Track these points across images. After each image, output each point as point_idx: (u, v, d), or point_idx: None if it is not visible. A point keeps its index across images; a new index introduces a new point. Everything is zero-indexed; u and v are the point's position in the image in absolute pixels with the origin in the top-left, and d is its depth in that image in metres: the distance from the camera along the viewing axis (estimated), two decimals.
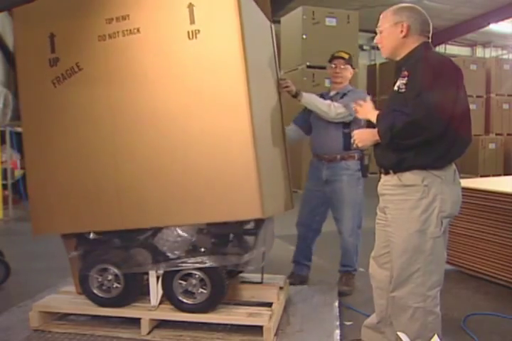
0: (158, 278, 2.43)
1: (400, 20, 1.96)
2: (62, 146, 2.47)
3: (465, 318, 2.67)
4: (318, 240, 3.41)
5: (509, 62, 10.91)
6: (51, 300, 2.58)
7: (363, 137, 2.06)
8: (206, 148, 2.21)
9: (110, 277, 2.44)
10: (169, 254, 2.35)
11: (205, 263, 2.27)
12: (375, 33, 2.08)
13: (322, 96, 3.10)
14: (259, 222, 2.38)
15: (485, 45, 14.79)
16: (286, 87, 2.83)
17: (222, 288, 2.36)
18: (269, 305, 2.49)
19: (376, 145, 2.03)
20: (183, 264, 2.30)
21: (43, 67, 2.46)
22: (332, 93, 3.16)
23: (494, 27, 12.26)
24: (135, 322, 2.38)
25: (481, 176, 8.61)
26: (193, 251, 2.34)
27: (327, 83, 7.30)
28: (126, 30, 2.31)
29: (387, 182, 2.01)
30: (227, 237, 2.44)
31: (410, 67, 1.88)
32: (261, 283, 2.65)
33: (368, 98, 2.16)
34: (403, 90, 1.87)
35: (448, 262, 3.57)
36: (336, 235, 3.19)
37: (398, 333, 2.09)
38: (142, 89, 2.31)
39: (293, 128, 3.16)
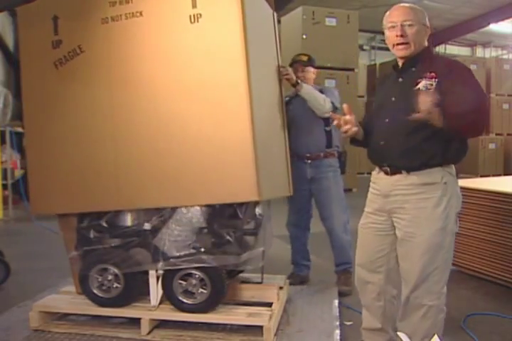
0: (158, 278, 2.43)
1: (427, 22, 1.96)
2: (62, 126, 2.49)
3: (465, 318, 2.66)
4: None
5: (509, 62, 10.91)
6: (51, 300, 2.58)
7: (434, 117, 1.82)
8: (205, 130, 2.23)
9: (110, 277, 2.44)
10: (169, 254, 2.35)
11: (205, 262, 2.27)
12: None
13: (290, 98, 3.10)
14: (258, 222, 2.38)
15: (485, 45, 14.80)
16: (287, 74, 2.84)
17: (222, 288, 2.36)
18: (269, 305, 2.49)
19: (388, 145, 1.97)
20: (183, 263, 2.30)
21: (45, 49, 2.48)
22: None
23: (494, 27, 12.28)
24: (135, 322, 2.38)
25: (481, 176, 8.60)
26: (192, 250, 2.34)
27: (327, 83, 7.30)
28: (129, 13, 2.32)
29: (400, 182, 1.95)
30: (226, 236, 2.44)
31: (435, 69, 1.87)
32: (261, 283, 2.65)
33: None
34: (431, 90, 1.84)
35: None
36: None
37: (398, 333, 2.10)
38: (143, 72, 2.33)
39: None
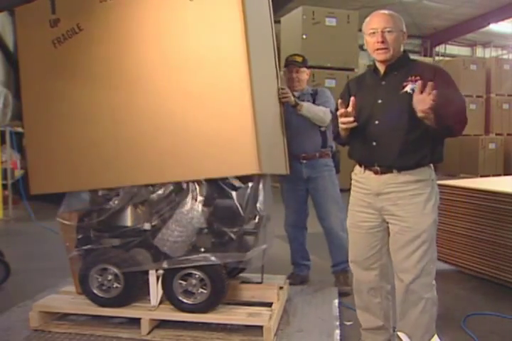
0: (158, 278, 2.43)
1: (404, 29, 2.06)
2: (61, 105, 2.50)
3: (465, 318, 2.67)
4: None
5: (509, 62, 10.91)
6: (51, 300, 2.58)
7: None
8: (205, 104, 2.24)
9: (110, 277, 2.44)
10: (169, 254, 2.35)
11: (206, 260, 2.27)
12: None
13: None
14: (259, 220, 2.38)
15: (485, 45, 14.81)
16: (285, 97, 2.81)
17: (222, 288, 2.36)
18: (269, 305, 2.49)
19: (380, 146, 2.04)
20: (183, 262, 2.30)
21: (43, 28, 2.49)
22: (296, 94, 3.10)
23: (494, 27, 12.28)
24: (135, 322, 2.38)
25: (481, 176, 8.60)
26: (193, 250, 2.34)
27: (327, 83, 7.30)
28: None
29: (391, 181, 2.03)
30: (227, 236, 2.44)
31: (420, 74, 1.97)
32: (261, 283, 2.65)
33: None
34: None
35: (448, 262, 3.58)
36: None
37: (398, 333, 2.13)
38: (142, 49, 2.35)
39: None
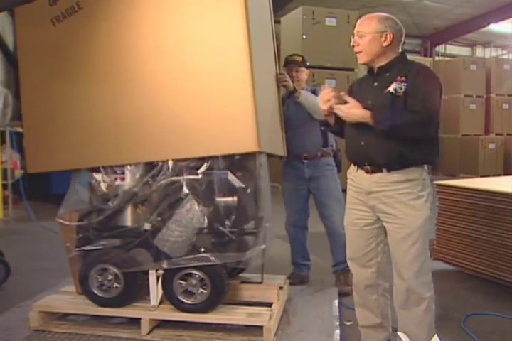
0: (158, 278, 2.43)
1: (385, 30, 2.06)
2: (60, 83, 2.50)
3: (465, 318, 2.67)
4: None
5: (509, 62, 10.91)
6: (51, 300, 2.58)
7: (352, 111, 2.03)
8: (205, 83, 2.26)
9: (110, 277, 2.44)
10: (169, 254, 2.34)
11: (207, 260, 2.27)
12: None
13: (284, 99, 3.10)
14: (259, 220, 2.38)
15: (485, 45, 14.80)
16: (285, 81, 2.85)
17: (222, 288, 2.36)
18: (269, 305, 2.49)
19: (368, 146, 2.07)
20: (185, 262, 2.30)
21: (41, 6, 2.49)
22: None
23: (494, 27, 12.28)
24: (135, 322, 2.38)
25: (481, 176, 8.60)
26: (193, 250, 2.34)
27: (327, 83, 7.30)
28: None
29: (381, 180, 2.07)
30: (227, 236, 2.44)
31: (406, 74, 2.01)
32: (261, 283, 2.65)
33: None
34: (400, 93, 1.99)
35: (448, 262, 3.58)
36: None
37: (398, 333, 2.13)
38: (142, 26, 2.35)
39: None
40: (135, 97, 2.37)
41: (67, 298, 2.59)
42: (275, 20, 2.91)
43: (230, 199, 2.34)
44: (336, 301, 2.83)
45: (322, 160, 3.14)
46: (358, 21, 2.11)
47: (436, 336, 2.11)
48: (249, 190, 2.39)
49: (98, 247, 2.45)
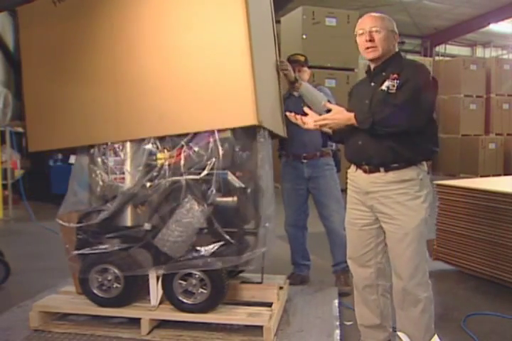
0: (158, 278, 2.43)
1: (395, 29, 2.12)
2: (60, 61, 2.52)
3: (465, 318, 2.66)
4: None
5: (509, 62, 10.91)
6: (51, 300, 2.58)
7: (335, 117, 2.08)
8: (204, 57, 2.28)
9: (110, 277, 2.44)
10: (169, 254, 2.34)
11: (208, 265, 2.27)
12: None
13: (284, 98, 3.10)
14: (259, 220, 2.38)
15: (485, 45, 14.79)
16: (286, 69, 2.85)
17: (222, 288, 2.36)
18: (269, 305, 2.49)
19: (365, 145, 2.08)
20: (183, 265, 2.30)
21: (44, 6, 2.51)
22: (296, 94, 3.11)
23: (494, 27, 12.27)
24: (135, 322, 2.38)
25: (481, 176, 8.60)
26: (193, 251, 2.34)
27: (327, 83, 7.30)
28: None
29: (379, 180, 2.08)
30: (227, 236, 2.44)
31: (399, 71, 2.03)
32: (261, 283, 2.65)
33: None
34: (393, 91, 2.01)
35: (448, 262, 3.58)
36: None
37: (398, 333, 2.13)
38: (142, 6, 2.37)
39: None
40: (135, 74, 2.39)
41: (67, 298, 2.59)
42: (275, 20, 2.92)
43: (230, 199, 2.34)
44: (336, 301, 2.83)
45: (321, 160, 3.14)
46: (366, 19, 2.11)
47: (436, 336, 2.11)
48: (249, 190, 2.39)
49: (97, 251, 2.43)
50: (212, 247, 2.33)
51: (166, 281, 2.39)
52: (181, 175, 2.35)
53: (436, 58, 12.97)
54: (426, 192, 2.08)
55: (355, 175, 2.17)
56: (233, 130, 2.32)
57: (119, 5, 2.43)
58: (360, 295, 2.26)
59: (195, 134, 2.35)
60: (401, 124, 1.97)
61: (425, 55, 13.52)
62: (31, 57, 2.61)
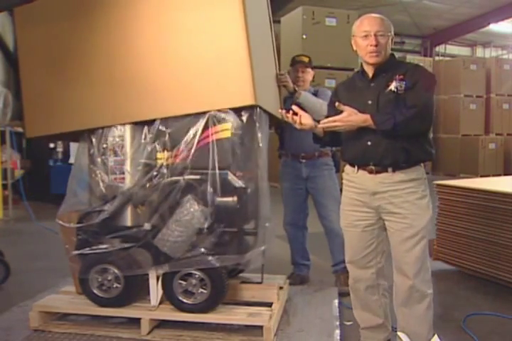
0: (158, 278, 2.43)
1: (392, 33, 2.12)
2: (56, 45, 2.52)
3: (465, 318, 2.66)
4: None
5: (509, 62, 10.90)
6: (51, 300, 2.58)
7: (350, 119, 2.05)
8: (201, 38, 2.29)
9: (110, 277, 2.44)
10: (169, 254, 2.34)
11: (208, 264, 2.27)
12: None
13: (285, 99, 3.11)
14: (259, 220, 2.38)
15: (485, 45, 14.78)
16: (285, 81, 2.89)
17: (222, 288, 2.36)
18: (269, 305, 2.49)
19: (375, 146, 2.07)
20: (183, 265, 2.30)
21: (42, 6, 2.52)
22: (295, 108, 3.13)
23: (494, 27, 12.26)
24: (135, 322, 2.38)
25: (481, 176, 8.60)
26: (193, 251, 2.34)
27: (327, 83, 7.30)
28: None
29: (387, 180, 2.08)
30: (227, 236, 2.44)
31: (403, 72, 2.06)
32: (261, 283, 2.65)
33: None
34: (402, 91, 2.03)
35: (448, 262, 3.58)
36: None
37: (398, 333, 2.14)
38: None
39: None
40: (130, 56, 2.40)
41: (67, 298, 2.59)
42: (275, 20, 2.93)
43: (230, 199, 2.34)
44: (336, 301, 2.83)
45: (320, 160, 3.16)
46: (371, 21, 2.08)
47: (436, 336, 2.11)
48: (248, 190, 2.39)
49: (97, 251, 2.42)
50: (212, 247, 2.33)
51: (166, 281, 2.39)
52: (181, 175, 2.35)
53: (436, 58, 12.96)
54: (428, 191, 2.13)
55: (357, 176, 2.15)
56: (233, 131, 2.32)
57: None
58: (361, 298, 2.26)
59: (195, 134, 2.35)
60: (418, 125, 2.02)
61: (425, 55, 13.51)
62: (27, 45, 2.60)
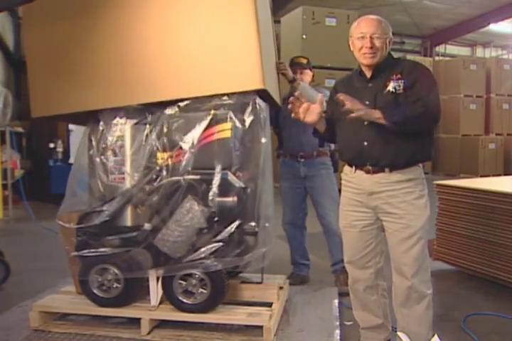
0: (158, 278, 2.43)
1: (389, 35, 2.12)
2: (64, 26, 2.51)
3: (465, 318, 2.66)
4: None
5: (509, 62, 10.90)
6: (51, 300, 2.58)
7: (368, 112, 2.01)
8: (209, 21, 2.31)
9: (110, 277, 2.44)
10: (169, 254, 2.34)
11: (208, 267, 2.27)
12: None
13: (284, 99, 3.10)
14: (259, 221, 2.38)
15: (485, 45, 14.78)
16: (284, 69, 2.89)
17: (222, 288, 2.36)
18: (269, 305, 2.49)
19: (371, 146, 2.06)
20: (184, 266, 2.30)
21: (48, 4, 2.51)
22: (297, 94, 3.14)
23: (494, 27, 12.26)
24: (135, 322, 2.38)
25: (481, 176, 8.60)
26: (193, 252, 2.33)
27: (327, 83, 7.30)
28: None
29: (384, 180, 2.08)
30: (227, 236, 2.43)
31: (400, 71, 2.06)
32: (261, 283, 2.65)
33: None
34: (400, 91, 2.03)
35: (448, 262, 3.58)
36: None
37: (398, 333, 2.13)
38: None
39: None
40: (141, 36, 2.41)
41: (67, 298, 2.59)
42: (275, 21, 2.94)
43: (230, 199, 2.34)
44: (336, 301, 2.83)
45: (318, 160, 3.17)
46: (368, 23, 2.09)
47: (436, 336, 2.11)
48: (249, 190, 2.38)
49: (97, 253, 2.42)
50: (212, 247, 2.33)
51: (166, 281, 2.39)
52: (181, 175, 2.35)
53: (436, 58, 12.96)
54: (426, 191, 2.12)
55: (355, 177, 2.15)
56: (232, 130, 2.32)
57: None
58: (360, 298, 2.26)
59: (196, 134, 2.35)
60: (427, 122, 2.04)
61: (425, 55, 13.51)
62: (35, 24, 2.60)
